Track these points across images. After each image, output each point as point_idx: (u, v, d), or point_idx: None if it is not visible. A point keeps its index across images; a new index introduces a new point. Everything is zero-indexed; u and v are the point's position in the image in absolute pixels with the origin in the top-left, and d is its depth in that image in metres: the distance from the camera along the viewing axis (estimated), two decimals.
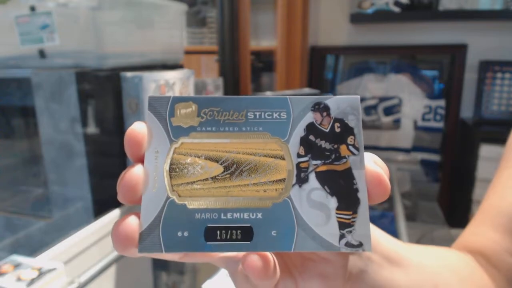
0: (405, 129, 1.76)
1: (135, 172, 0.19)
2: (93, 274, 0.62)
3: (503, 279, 0.32)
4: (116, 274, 0.77)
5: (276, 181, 0.19)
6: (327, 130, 0.20)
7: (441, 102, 1.72)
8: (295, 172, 0.19)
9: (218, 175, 0.19)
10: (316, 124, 0.20)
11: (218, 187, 0.19)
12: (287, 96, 0.20)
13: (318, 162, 0.20)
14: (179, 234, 0.19)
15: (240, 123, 0.20)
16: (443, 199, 1.75)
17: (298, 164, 0.20)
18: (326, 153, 0.20)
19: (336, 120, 0.20)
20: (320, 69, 1.83)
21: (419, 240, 0.93)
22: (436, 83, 1.76)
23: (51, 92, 0.75)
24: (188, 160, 0.19)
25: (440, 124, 1.73)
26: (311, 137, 0.20)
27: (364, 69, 1.80)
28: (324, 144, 0.20)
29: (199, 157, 0.19)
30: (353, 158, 0.20)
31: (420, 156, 1.74)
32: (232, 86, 1.33)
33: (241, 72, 1.37)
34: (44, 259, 0.62)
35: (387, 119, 1.77)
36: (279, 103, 0.20)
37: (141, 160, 0.19)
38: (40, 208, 0.89)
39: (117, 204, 0.83)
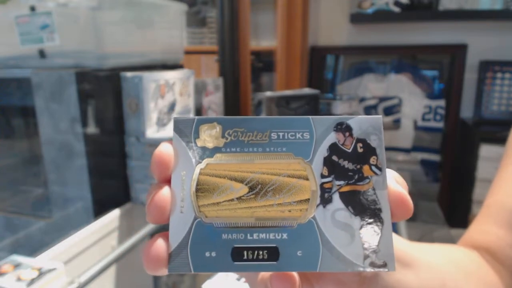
0: (405, 129, 1.76)
1: (163, 194, 0.19)
2: (93, 274, 0.62)
3: (508, 274, 0.33)
4: (116, 274, 0.77)
5: (301, 201, 0.20)
6: (350, 150, 0.20)
7: (441, 102, 1.72)
8: (319, 192, 0.20)
9: (243, 196, 0.20)
10: (339, 145, 0.20)
11: (244, 207, 0.20)
12: (310, 117, 0.20)
13: (342, 182, 0.20)
14: (207, 254, 0.19)
15: (264, 144, 0.20)
16: (443, 199, 1.75)
17: (322, 185, 0.20)
18: (349, 173, 0.20)
19: (359, 140, 0.20)
20: (320, 69, 1.83)
21: (419, 240, 0.93)
22: (436, 83, 1.76)
23: (51, 92, 0.75)
24: (214, 180, 0.20)
25: (440, 124, 1.73)
26: (334, 158, 0.20)
27: (364, 69, 1.80)
28: (347, 164, 0.20)
29: (224, 177, 0.20)
30: (376, 178, 0.20)
31: (420, 156, 1.74)
32: (232, 86, 1.33)
33: (241, 72, 1.37)
34: (44, 259, 0.62)
35: (387, 119, 1.77)
36: (302, 124, 0.20)
37: (168, 181, 0.20)
38: (40, 208, 0.89)
39: (117, 204, 0.83)
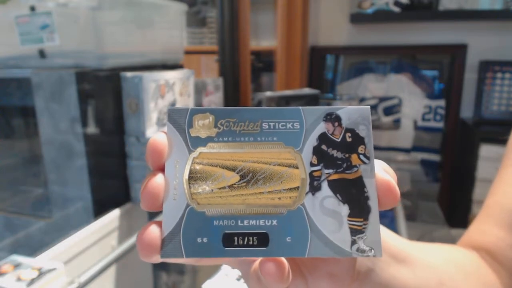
0: (405, 129, 1.76)
1: (157, 181, 0.20)
2: (93, 274, 0.62)
3: (508, 275, 0.33)
4: (116, 274, 0.77)
5: (290, 189, 0.20)
6: (339, 140, 0.20)
7: (441, 102, 1.72)
8: (308, 180, 0.20)
9: (234, 184, 0.20)
10: (328, 134, 0.20)
11: (235, 195, 0.20)
12: (300, 107, 0.21)
13: (330, 171, 0.20)
14: (199, 240, 0.19)
15: (255, 133, 0.20)
16: (443, 199, 1.75)
17: (311, 173, 0.20)
18: (338, 162, 0.20)
19: (348, 130, 0.21)
20: (320, 69, 1.83)
21: (419, 240, 0.93)
22: (436, 83, 1.76)
23: (51, 92, 0.75)
24: (206, 169, 0.20)
25: (440, 124, 1.73)
26: (324, 147, 0.20)
27: (364, 69, 1.80)
28: (336, 153, 0.20)
29: (216, 166, 0.20)
30: (364, 167, 0.20)
31: (420, 156, 1.74)
32: (232, 86, 1.33)
33: (241, 72, 1.37)
34: (44, 259, 0.62)
35: (387, 119, 1.77)
36: (293, 114, 0.21)
37: (162, 169, 0.20)
38: (40, 208, 0.89)
39: (117, 204, 0.83)
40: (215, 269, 0.65)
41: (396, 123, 1.77)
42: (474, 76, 1.65)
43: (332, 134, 0.20)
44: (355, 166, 0.20)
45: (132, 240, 0.74)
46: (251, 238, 0.20)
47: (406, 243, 0.27)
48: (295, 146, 0.20)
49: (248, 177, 0.20)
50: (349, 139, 0.20)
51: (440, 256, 0.30)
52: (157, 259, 0.19)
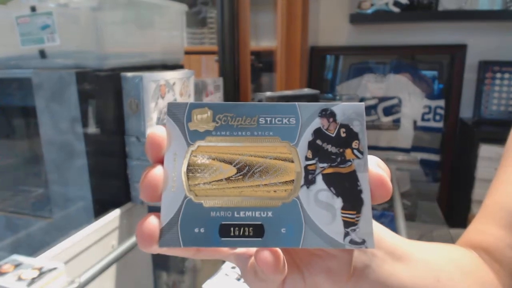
0: (404, 129, 1.76)
1: (156, 173, 0.20)
2: (93, 274, 0.62)
3: (506, 274, 0.33)
4: (117, 273, 0.77)
5: (286, 182, 0.21)
6: (333, 135, 0.21)
7: (441, 102, 1.72)
8: (303, 174, 0.21)
9: (231, 176, 0.21)
10: (323, 129, 0.21)
11: (232, 187, 0.21)
12: (296, 103, 0.21)
13: (325, 165, 0.21)
14: (196, 230, 0.20)
15: (252, 128, 0.21)
16: (443, 199, 1.75)
17: (306, 167, 0.21)
18: (332, 156, 0.21)
19: (342, 125, 0.21)
20: (320, 70, 1.83)
21: (419, 239, 0.93)
22: (435, 83, 1.76)
23: (51, 92, 0.76)
24: (204, 162, 0.21)
25: (439, 124, 1.73)
26: (318, 142, 0.21)
27: (363, 69, 1.81)
28: (330, 148, 0.21)
29: (214, 159, 0.21)
30: (358, 162, 0.21)
31: (419, 156, 1.74)
32: (232, 86, 1.33)
33: (241, 72, 1.37)
34: (45, 258, 0.63)
35: (386, 119, 1.77)
36: (289, 109, 0.21)
37: (161, 162, 0.21)
38: (41, 208, 0.89)
39: (117, 204, 0.84)
40: (215, 268, 0.65)
41: (396, 123, 1.77)
42: (473, 76, 1.65)
43: (327, 129, 0.21)
44: (349, 160, 0.21)
45: (132, 239, 0.74)
46: (247, 229, 0.20)
47: (404, 241, 0.27)
48: (291, 140, 0.21)
49: (244, 170, 0.21)
50: (343, 134, 0.21)
51: (438, 255, 0.30)
52: (156, 249, 0.20)
